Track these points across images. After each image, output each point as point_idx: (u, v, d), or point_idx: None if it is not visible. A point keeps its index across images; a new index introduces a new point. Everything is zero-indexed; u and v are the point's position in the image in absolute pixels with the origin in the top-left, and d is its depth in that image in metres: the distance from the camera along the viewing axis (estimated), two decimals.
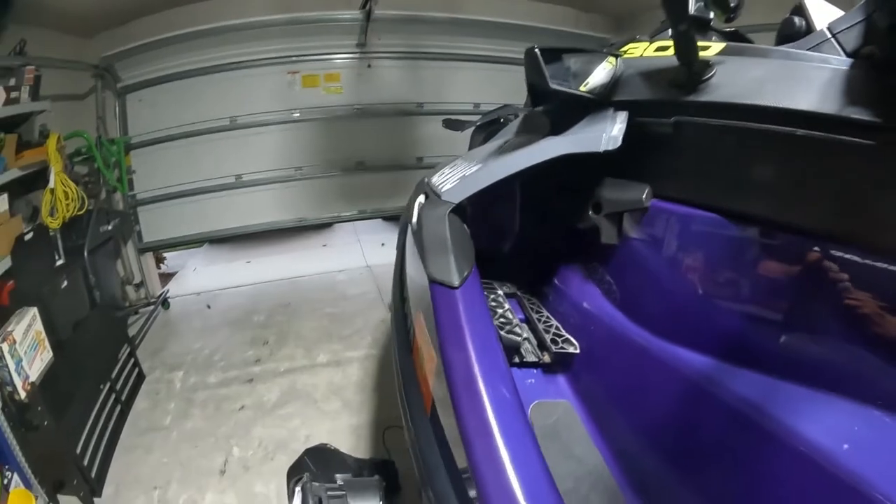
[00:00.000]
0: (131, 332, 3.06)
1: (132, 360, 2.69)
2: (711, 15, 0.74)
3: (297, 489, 1.16)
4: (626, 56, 0.99)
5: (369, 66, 4.06)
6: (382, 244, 4.78)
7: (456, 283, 0.82)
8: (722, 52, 0.82)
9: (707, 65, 0.80)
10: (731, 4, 0.73)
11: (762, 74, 0.74)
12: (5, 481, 1.62)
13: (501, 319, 1.08)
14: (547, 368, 1.09)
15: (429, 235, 0.95)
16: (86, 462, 1.91)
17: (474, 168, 1.11)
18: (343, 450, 2.06)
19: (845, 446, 0.56)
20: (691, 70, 0.79)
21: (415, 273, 1.00)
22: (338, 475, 1.33)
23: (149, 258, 4.02)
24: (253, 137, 3.97)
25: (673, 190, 0.87)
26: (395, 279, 1.38)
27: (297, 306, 3.49)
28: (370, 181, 4.29)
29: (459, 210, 1.02)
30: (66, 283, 2.44)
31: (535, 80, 0.91)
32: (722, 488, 0.73)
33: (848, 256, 0.62)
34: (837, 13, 0.85)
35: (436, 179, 1.27)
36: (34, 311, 1.91)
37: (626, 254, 0.99)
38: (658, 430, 0.91)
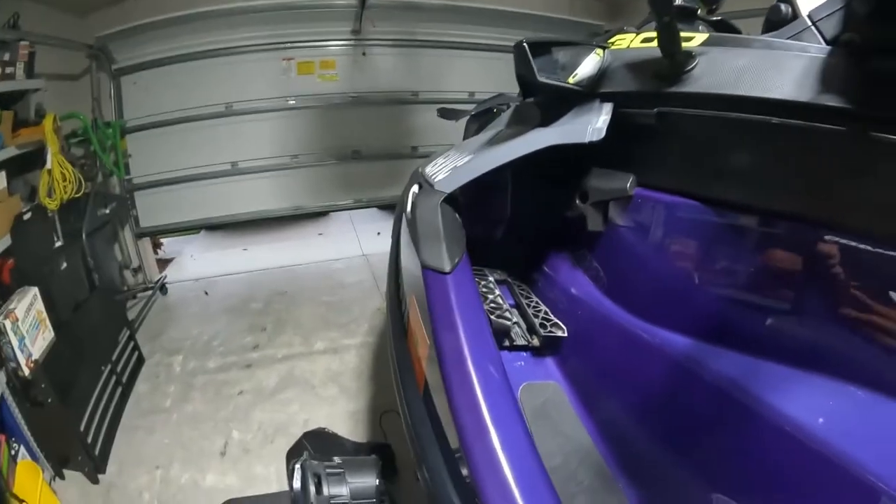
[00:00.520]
0: (130, 316, 3.08)
1: (132, 344, 2.72)
2: (696, 5, 0.75)
3: (297, 467, 1.20)
4: (613, 48, 1.01)
5: (364, 53, 4.04)
6: (378, 233, 4.78)
7: (447, 268, 0.84)
8: (704, 43, 0.84)
9: (689, 56, 0.82)
10: None
11: (742, 64, 0.76)
12: (13, 452, 1.67)
13: (492, 304, 1.11)
14: (536, 352, 1.12)
15: (422, 224, 0.98)
16: (89, 440, 1.96)
17: (466, 159, 1.13)
18: (341, 434, 2.12)
19: (820, 420, 0.59)
20: (674, 61, 0.81)
21: (408, 260, 1.03)
22: (336, 456, 1.37)
23: (146, 243, 4.04)
24: (248, 124, 3.95)
25: (656, 179, 0.90)
26: (391, 266, 1.41)
27: (294, 294, 3.52)
28: (366, 170, 4.29)
29: (451, 199, 1.04)
30: (65, 264, 2.46)
31: (524, 72, 0.93)
32: (705, 464, 0.76)
33: (824, 240, 0.64)
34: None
35: (429, 170, 1.29)
36: (35, 290, 1.94)
37: (611, 241, 1.02)
38: (643, 408, 0.95)
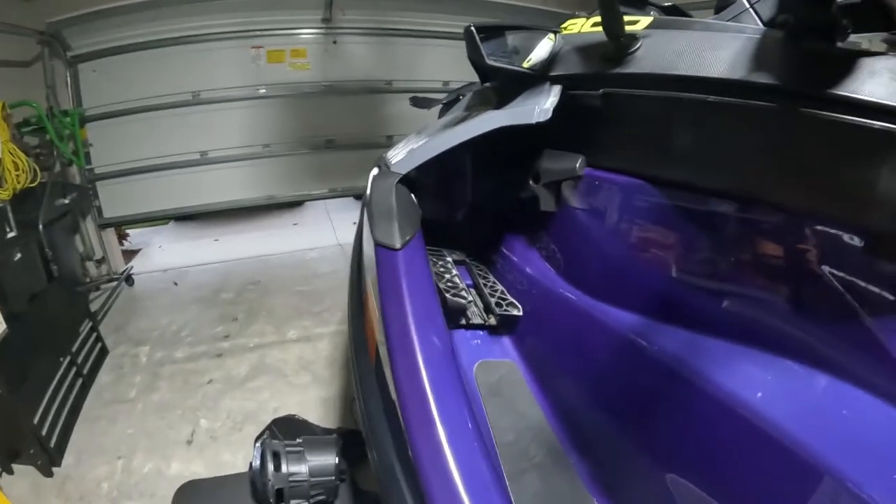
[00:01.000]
0: (93, 307, 2.99)
1: (94, 335, 2.65)
2: None
3: (257, 444, 1.20)
4: (565, 32, 1.02)
5: (335, 42, 3.97)
6: (354, 223, 4.70)
7: (398, 245, 0.85)
8: (649, 26, 0.86)
9: (634, 38, 0.83)
10: None
11: (682, 46, 0.77)
12: None
13: (449, 284, 1.12)
14: (492, 330, 1.14)
15: (376, 203, 0.98)
16: (44, 432, 1.90)
17: (422, 141, 1.14)
18: (312, 421, 2.11)
19: (759, 394, 0.61)
20: (618, 44, 0.82)
21: (365, 239, 1.03)
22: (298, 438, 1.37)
23: (110, 234, 3.91)
24: (218, 113, 3.85)
25: (605, 159, 0.92)
26: (355, 249, 1.41)
27: (267, 284, 3.47)
28: (340, 159, 4.23)
29: (407, 181, 1.04)
30: (19, 255, 2.36)
31: (474, 57, 0.94)
32: (653, 439, 0.78)
33: (762, 215, 0.65)
34: None
35: (390, 154, 1.29)
36: None
37: (563, 220, 1.05)
38: (595, 385, 0.98)
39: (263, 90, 3.91)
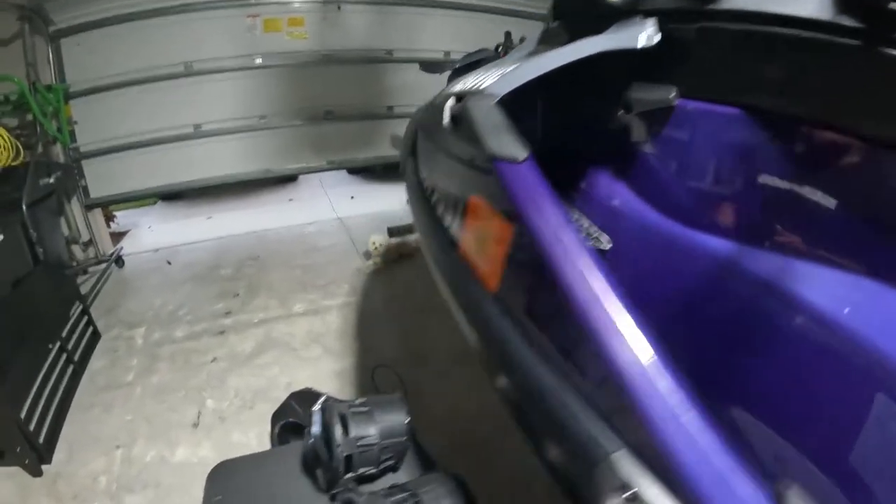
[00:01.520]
0: (83, 290, 2.70)
1: (85, 318, 2.38)
2: None
3: (316, 410, 1.00)
4: None
5: (339, 7, 3.67)
6: (352, 197, 4.52)
7: (522, 157, 0.74)
8: None
9: None
10: None
11: None
12: None
13: None
14: None
15: (482, 120, 0.83)
16: (32, 427, 1.64)
17: (512, 68, 0.97)
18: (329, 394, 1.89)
19: (846, 310, 0.58)
20: None
21: (458, 165, 0.91)
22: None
23: (97, 215, 3.59)
24: (211, 85, 3.55)
25: (697, 90, 0.82)
26: (414, 189, 1.27)
27: (266, 259, 3.20)
28: (339, 131, 3.99)
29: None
30: (1, 237, 2.09)
31: None
32: (743, 357, 0.72)
33: (845, 142, 0.63)
34: None
35: (463, 86, 1.11)
36: None
37: (654, 151, 0.92)
38: (687, 311, 0.85)
39: (259, 60, 3.62)
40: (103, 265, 3.16)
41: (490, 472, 1.52)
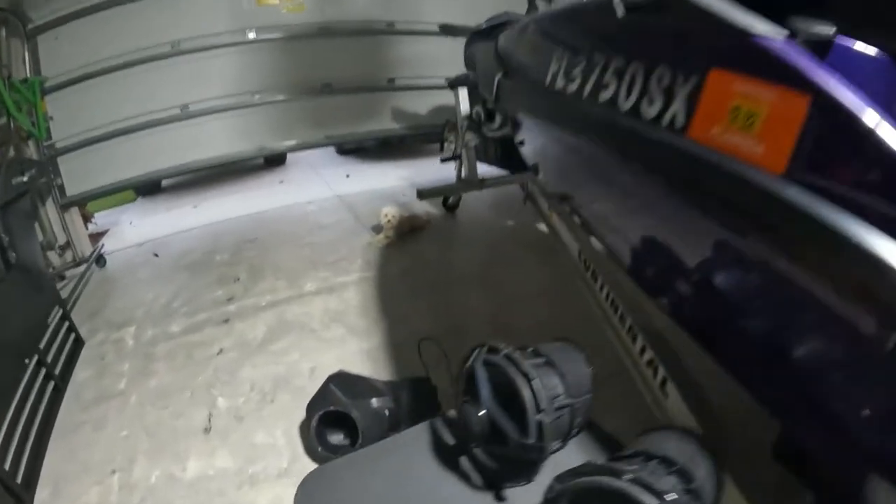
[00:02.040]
0: (62, 296, 2.29)
1: (66, 325, 1.97)
2: None
3: (479, 367, 0.69)
4: None
5: None
6: (347, 175, 4.12)
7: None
8: None
9: None
10: None
11: None
12: None
13: None
14: None
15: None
16: (7, 465, 1.25)
17: None
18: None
19: None
20: None
21: (666, 47, 0.78)
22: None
23: (74, 216, 3.13)
24: (201, 62, 3.16)
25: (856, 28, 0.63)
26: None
27: (266, 240, 2.80)
28: (338, 104, 3.61)
29: None
30: None
31: None
32: None
33: None
34: None
35: None
36: None
37: None
38: None
39: (253, 34, 3.23)
40: (83, 267, 2.73)
41: None
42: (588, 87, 0.95)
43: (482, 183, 2.61)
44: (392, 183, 3.72)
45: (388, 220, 2.59)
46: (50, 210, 2.93)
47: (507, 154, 2.68)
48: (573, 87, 1.01)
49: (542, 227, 2.60)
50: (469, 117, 2.49)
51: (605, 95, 0.88)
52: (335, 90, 3.56)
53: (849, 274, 0.50)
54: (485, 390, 0.66)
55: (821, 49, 0.63)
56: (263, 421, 1.42)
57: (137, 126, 3.11)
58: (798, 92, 0.57)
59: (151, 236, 3.08)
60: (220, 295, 2.17)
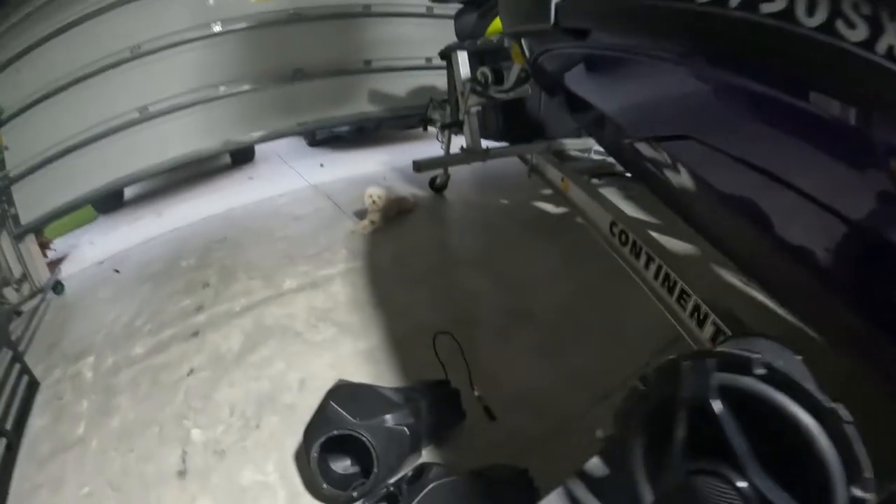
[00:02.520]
0: (16, 335, 1.97)
1: (17, 368, 1.65)
2: None
3: (713, 396, 0.38)
4: None
5: None
6: (321, 165, 3.80)
7: None
8: None
9: None
10: None
11: None
12: None
13: None
14: None
15: None
16: None
17: None
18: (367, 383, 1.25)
19: None
20: None
21: None
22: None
23: (30, 244, 2.79)
24: (161, 63, 2.88)
25: None
26: None
27: (236, 238, 2.48)
28: (311, 89, 3.35)
29: None
30: None
31: None
32: None
33: None
34: None
35: None
36: None
37: None
38: None
39: (218, 27, 2.96)
40: (38, 297, 2.38)
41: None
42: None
43: (486, 153, 2.32)
44: (371, 168, 3.41)
45: (374, 202, 2.30)
46: (4, 243, 2.59)
47: (508, 126, 2.50)
48: None
49: (542, 205, 2.46)
50: (473, 80, 2.20)
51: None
52: (308, 75, 3.29)
53: None
54: (739, 443, 0.36)
55: None
56: (249, 454, 1.15)
57: (93, 137, 2.79)
58: None
59: (111, 252, 2.73)
60: (187, 304, 1.86)
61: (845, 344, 0.60)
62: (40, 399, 1.60)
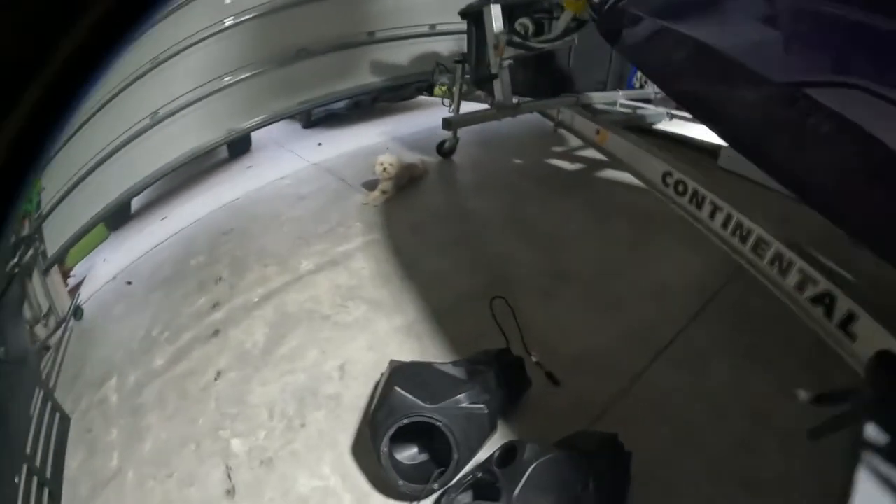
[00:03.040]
0: (45, 371, 1.83)
1: (48, 406, 1.53)
2: None
3: None
4: None
5: None
6: (319, 143, 3.54)
7: None
8: None
9: None
10: None
11: None
12: None
13: None
14: None
15: None
16: None
17: None
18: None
19: None
20: None
21: None
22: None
23: (54, 276, 2.67)
24: (175, 66, 2.74)
25: None
26: None
27: (243, 227, 2.28)
28: (313, 67, 3.19)
29: None
30: None
31: None
32: None
33: None
34: None
35: None
36: None
37: None
38: None
39: (230, 20, 2.80)
40: (60, 329, 2.24)
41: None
42: None
43: (518, 107, 2.15)
44: (372, 140, 3.15)
45: (385, 170, 2.07)
46: (36, 282, 2.48)
47: (537, 80, 2.37)
48: None
49: (555, 161, 2.29)
50: (511, 31, 2.06)
51: None
52: (311, 53, 3.09)
53: None
54: None
55: None
56: (300, 457, 0.95)
57: (109, 153, 2.67)
58: None
59: (122, 265, 2.57)
60: (202, 303, 1.66)
61: None
62: (72, 434, 1.44)
